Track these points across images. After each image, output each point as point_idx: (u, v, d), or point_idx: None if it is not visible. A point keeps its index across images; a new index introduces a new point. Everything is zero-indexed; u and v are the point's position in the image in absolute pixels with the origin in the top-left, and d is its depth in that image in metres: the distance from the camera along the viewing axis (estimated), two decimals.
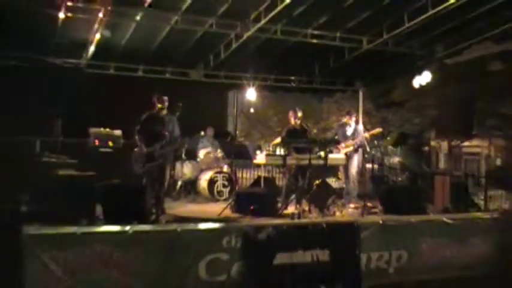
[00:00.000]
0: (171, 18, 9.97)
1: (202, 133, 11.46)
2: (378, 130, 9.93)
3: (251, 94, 14.30)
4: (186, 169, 10.80)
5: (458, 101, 12.07)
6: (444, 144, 13.39)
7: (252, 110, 16.40)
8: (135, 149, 7.81)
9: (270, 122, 16.51)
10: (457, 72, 12.54)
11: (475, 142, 12.75)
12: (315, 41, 11.13)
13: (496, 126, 11.63)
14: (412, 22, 9.96)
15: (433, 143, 13.13)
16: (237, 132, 15.38)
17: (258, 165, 11.00)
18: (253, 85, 14.21)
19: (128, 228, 5.69)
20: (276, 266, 6.14)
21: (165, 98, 7.84)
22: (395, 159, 13.44)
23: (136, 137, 7.79)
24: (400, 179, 12.10)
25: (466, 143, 12.91)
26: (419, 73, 11.84)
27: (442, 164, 13.59)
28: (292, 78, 14.76)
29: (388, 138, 13.28)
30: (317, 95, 16.45)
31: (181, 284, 5.86)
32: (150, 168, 7.57)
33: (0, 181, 7.22)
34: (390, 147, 13.68)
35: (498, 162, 12.51)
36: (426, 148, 14.04)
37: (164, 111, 7.81)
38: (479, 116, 12.00)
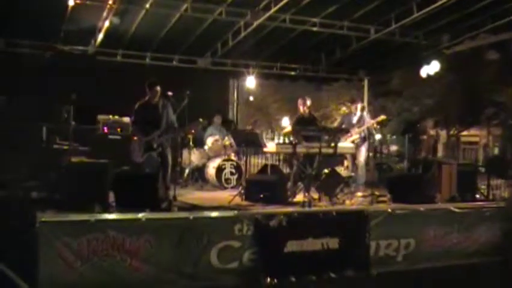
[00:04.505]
0: (180, 5, 9.94)
1: (201, 119, 11.35)
2: (383, 117, 9.98)
3: (251, 82, 14.23)
4: (193, 156, 10.87)
5: (456, 91, 12.08)
6: (442, 133, 13.42)
7: (251, 98, 16.38)
8: (134, 138, 7.75)
9: (269, 109, 16.51)
10: (455, 62, 12.52)
11: (473, 131, 12.79)
12: (322, 29, 11.12)
13: (494, 115, 11.66)
14: (421, 12, 9.97)
15: (431, 132, 13.16)
16: (238, 120, 15.36)
17: (264, 153, 11.02)
18: (255, 73, 14.05)
19: (141, 215, 5.78)
20: (286, 254, 6.24)
21: (157, 84, 7.67)
22: (393, 148, 13.52)
23: (132, 128, 7.73)
24: (398, 167, 12.15)
25: (465, 132, 12.95)
26: (428, 63, 11.83)
27: (440, 153, 13.64)
28: (293, 66, 14.67)
29: (387, 127, 13.31)
30: (314, 83, 16.34)
31: (193, 271, 5.96)
32: (150, 157, 7.54)
33: (12, 168, 7.29)
34: (388, 136, 13.71)
35: (496, 151, 12.57)
36: (424, 137, 14.09)
37: (156, 98, 7.70)
38: (478, 105, 12.02)
